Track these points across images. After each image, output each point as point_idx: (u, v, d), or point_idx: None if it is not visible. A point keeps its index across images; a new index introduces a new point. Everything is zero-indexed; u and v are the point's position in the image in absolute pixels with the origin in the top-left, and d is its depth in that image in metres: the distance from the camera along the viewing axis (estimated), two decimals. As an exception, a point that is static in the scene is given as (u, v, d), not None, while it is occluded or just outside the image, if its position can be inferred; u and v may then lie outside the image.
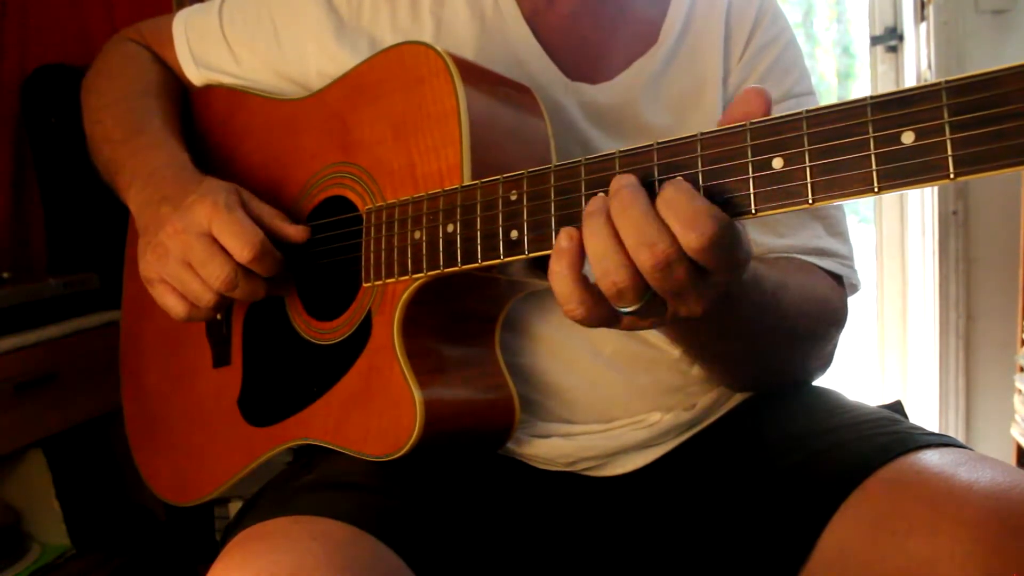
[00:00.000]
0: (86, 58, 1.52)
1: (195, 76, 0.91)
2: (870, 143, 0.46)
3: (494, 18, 0.81)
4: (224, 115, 0.90)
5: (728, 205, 0.51)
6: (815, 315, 0.76)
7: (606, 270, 0.52)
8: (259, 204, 0.74)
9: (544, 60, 0.80)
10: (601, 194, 0.54)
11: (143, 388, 0.94)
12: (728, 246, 0.51)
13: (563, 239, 0.54)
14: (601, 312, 0.55)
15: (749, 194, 0.50)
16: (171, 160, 0.80)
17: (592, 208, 0.54)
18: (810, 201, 0.48)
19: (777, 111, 0.83)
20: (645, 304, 0.53)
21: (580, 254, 0.54)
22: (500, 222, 0.61)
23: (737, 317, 0.66)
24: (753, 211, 0.49)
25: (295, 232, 0.74)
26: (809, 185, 0.48)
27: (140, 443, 0.95)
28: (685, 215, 0.50)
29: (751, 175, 0.50)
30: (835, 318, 0.79)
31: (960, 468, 0.62)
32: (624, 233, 0.52)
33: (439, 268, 0.65)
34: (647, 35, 0.82)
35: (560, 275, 0.55)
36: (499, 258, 0.61)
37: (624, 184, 0.53)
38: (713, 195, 0.51)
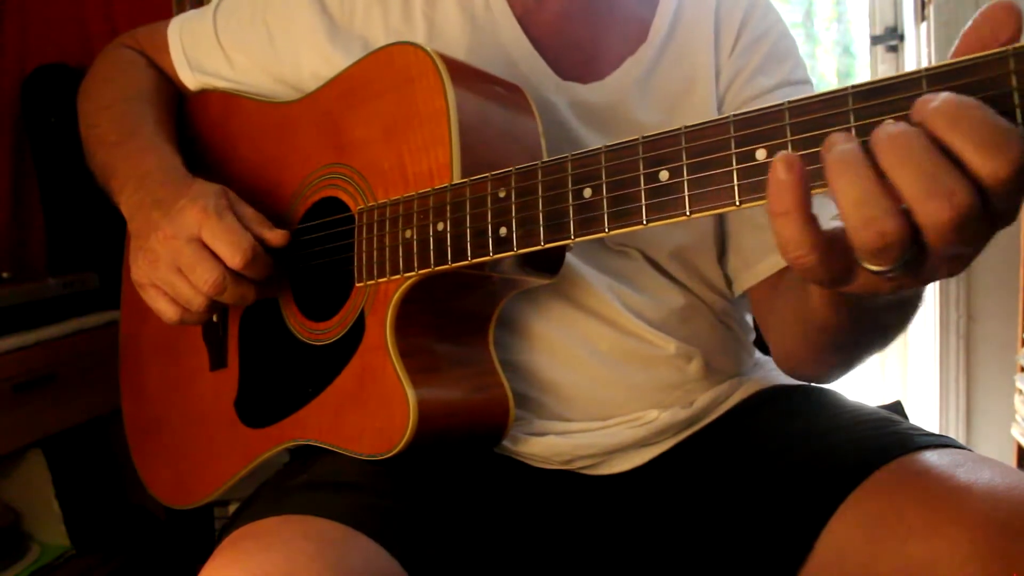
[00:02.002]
0: (85, 58, 1.53)
1: (190, 81, 0.92)
2: (852, 132, 0.45)
3: (485, 18, 0.81)
4: (219, 119, 0.90)
5: None
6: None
7: (870, 218, 0.42)
8: (243, 207, 0.74)
9: (535, 59, 0.80)
10: (840, 134, 0.44)
11: (142, 391, 0.94)
12: None
13: (781, 170, 0.43)
14: (837, 265, 0.45)
15: (733, 186, 0.49)
16: (163, 163, 0.80)
17: (837, 144, 0.43)
18: None
19: (773, 99, 0.82)
20: (903, 263, 0.43)
21: (807, 187, 0.44)
22: (489, 219, 0.61)
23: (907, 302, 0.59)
24: (737, 203, 0.49)
25: (275, 237, 0.73)
26: None
27: (139, 446, 0.95)
28: (980, 133, 0.39)
29: (735, 167, 0.49)
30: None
31: (959, 469, 0.62)
32: (905, 181, 0.41)
33: (430, 266, 0.65)
34: (637, 34, 0.83)
35: (783, 214, 0.44)
36: (488, 255, 0.61)
37: (889, 126, 0.42)
38: None
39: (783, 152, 0.45)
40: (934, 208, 0.41)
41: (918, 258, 0.44)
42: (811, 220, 0.44)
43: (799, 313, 0.67)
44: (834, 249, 0.45)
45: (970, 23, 0.43)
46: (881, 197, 0.42)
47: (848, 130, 0.45)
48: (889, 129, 0.42)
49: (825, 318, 0.61)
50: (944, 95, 0.41)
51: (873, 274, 0.45)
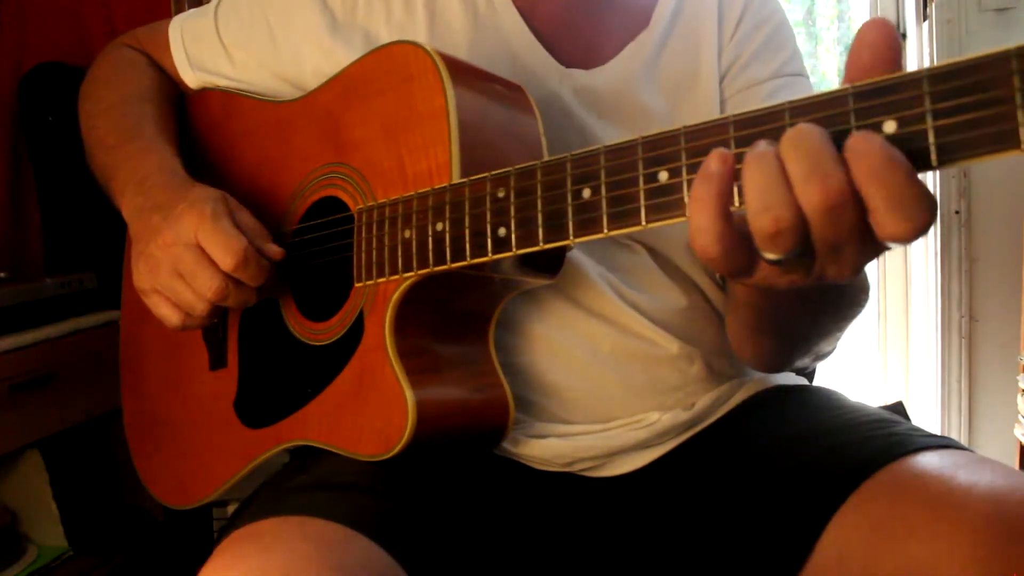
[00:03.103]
0: (84, 57, 1.52)
1: (191, 79, 0.91)
2: (852, 132, 0.45)
3: (487, 9, 0.81)
4: (219, 119, 0.90)
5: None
6: (860, 291, 0.73)
7: (767, 204, 0.46)
8: (245, 216, 0.73)
9: (537, 49, 0.80)
10: (765, 139, 0.48)
11: (142, 391, 0.94)
12: None
13: (714, 161, 0.47)
14: (738, 256, 0.49)
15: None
16: (163, 166, 0.80)
17: (759, 143, 0.47)
18: None
19: (768, 89, 0.81)
20: (794, 254, 0.47)
21: (731, 183, 0.47)
22: (488, 219, 0.61)
23: (829, 291, 0.62)
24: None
25: (272, 252, 0.73)
26: None
27: (139, 446, 0.95)
28: (872, 160, 0.43)
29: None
30: (866, 296, 0.76)
31: (960, 470, 0.62)
32: (793, 164, 0.45)
33: (429, 267, 0.65)
34: (639, 19, 0.83)
35: (703, 202, 0.47)
36: (487, 255, 0.61)
37: (801, 124, 0.46)
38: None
39: (716, 150, 0.48)
40: (811, 189, 0.44)
41: (805, 251, 0.47)
42: (724, 213, 0.48)
43: (729, 293, 0.70)
44: (739, 243, 0.48)
45: (852, 44, 0.47)
46: (780, 187, 0.45)
47: (848, 130, 0.45)
48: (797, 125, 0.46)
49: (742, 296, 0.67)
50: (877, 142, 0.43)
51: (769, 265, 0.49)
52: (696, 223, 0.48)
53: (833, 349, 0.79)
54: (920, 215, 0.43)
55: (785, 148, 0.46)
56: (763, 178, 0.46)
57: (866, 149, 0.43)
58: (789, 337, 0.72)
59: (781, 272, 0.50)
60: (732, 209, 0.48)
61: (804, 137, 0.45)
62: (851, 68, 0.46)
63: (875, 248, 0.47)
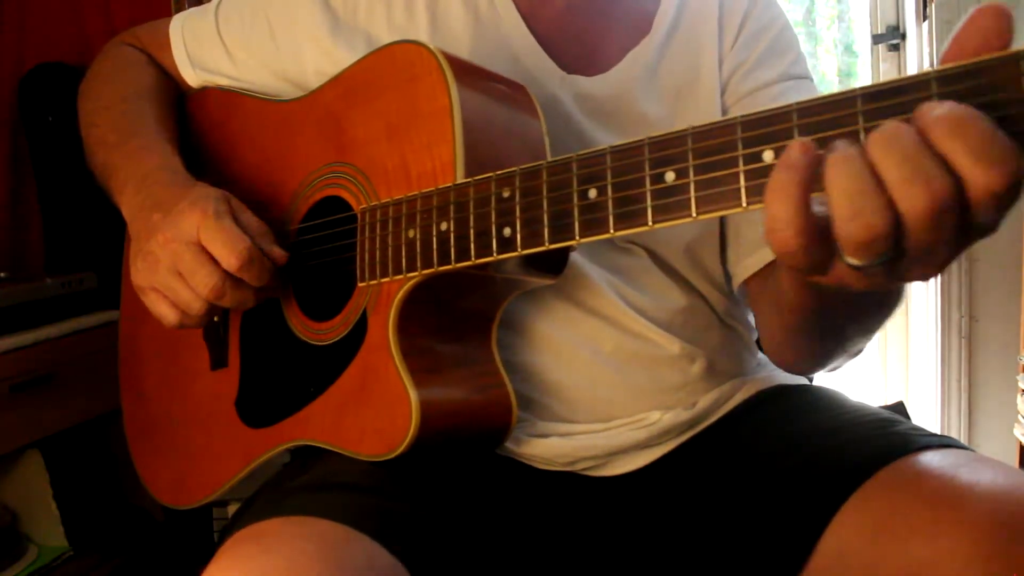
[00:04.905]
0: (84, 57, 1.53)
1: (192, 78, 0.91)
2: (860, 134, 0.45)
3: (488, 13, 0.81)
4: (220, 118, 0.90)
5: None
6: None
7: (858, 211, 0.42)
8: (249, 216, 0.73)
9: (539, 54, 0.80)
10: (843, 140, 0.45)
11: (142, 391, 0.94)
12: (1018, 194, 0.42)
13: (796, 150, 0.44)
14: (818, 253, 0.45)
15: (740, 187, 0.49)
16: (163, 164, 0.79)
17: (839, 144, 0.44)
18: None
19: (775, 92, 0.81)
20: (883, 260, 0.44)
21: (813, 173, 0.44)
22: (493, 219, 0.61)
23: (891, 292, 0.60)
24: (744, 204, 0.49)
25: (276, 254, 0.73)
26: None
27: (139, 446, 0.94)
28: (979, 144, 0.40)
29: (741, 168, 0.49)
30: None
31: (961, 470, 0.62)
32: (891, 169, 0.42)
33: (433, 266, 0.65)
34: (640, 26, 0.83)
35: (784, 192, 0.44)
36: (492, 255, 0.61)
37: (889, 123, 0.43)
38: None
39: (797, 139, 0.45)
40: (914, 193, 0.41)
41: (896, 256, 0.44)
42: (806, 203, 0.44)
43: (776, 296, 0.68)
44: (819, 238, 0.45)
45: (960, 27, 0.43)
46: (872, 191, 0.42)
47: (857, 132, 0.45)
48: (883, 125, 0.43)
49: (795, 300, 0.63)
50: (948, 104, 0.41)
51: (850, 268, 0.45)
52: (775, 213, 0.45)
53: (866, 346, 0.77)
54: (1010, 158, 0.40)
55: (877, 150, 0.42)
56: (852, 182, 0.43)
57: (940, 110, 0.41)
58: (836, 338, 0.70)
59: (862, 275, 0.46)
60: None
61: (899, 138, 0.42)
62: (952, 51, 0.43)
63: (967, 243, 0.44)
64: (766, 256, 0.78)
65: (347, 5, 0.83)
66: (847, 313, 0.64)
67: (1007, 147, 0.40)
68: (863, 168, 0.43)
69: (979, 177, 0.40)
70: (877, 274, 0.46)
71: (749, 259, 0.79)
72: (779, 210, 0.45)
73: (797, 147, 0.44)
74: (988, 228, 0.44)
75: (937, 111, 0.41)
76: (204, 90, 0.92)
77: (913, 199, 0.41)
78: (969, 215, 0.42)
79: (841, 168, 0.43)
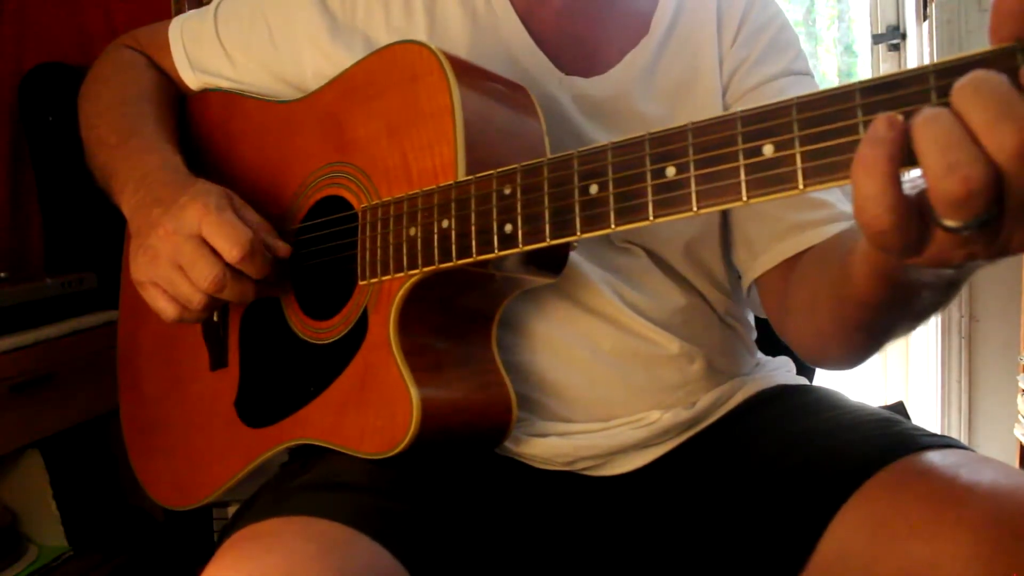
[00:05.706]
0: (84, 57, 1.53)
1: (192, 80, 0.91)
2: (859, 128, 0.45)
3: (487, 14, 0.81)
4: (220, 119, 0.90)
5: None
6: None
7: (952, 164, 0.41)
8: (250, 213, 0.73)
9: (537, 55, 0.80)
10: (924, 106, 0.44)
11: (140, 392, 0.94)
12: None
13: (882, 124, 0.43)
14: (912, 228, 0.44)
15: (740, 181, 0.49)
16: (164, 163, 0.79)
17: (923, 109, 0.43)
18: (801, 187, 0.47)
19: (776, 88, 0.81)
20: (982, 219, 0.42)
21: (903, 147, 0.43)
22: (494, 216, 0.61)
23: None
24: (744, 198, 0.49)
25: (279, 248, 0.73)
26: (800, 171, 0.47)
27: (137, 447, 0.94)
28: None
29: (742, 162, 0.49)
30: None
31: (961, 470, 0.61)
32: (977, 113, 0.41)
33: (434, 264, 0.65)
34: (638, 27, 0.83)
35: (873, 167, 0.43)
36: (493, 252, 0.61)
37: (974, 72, 0.42)
38: None
39: (884, 114, 0.44)
40: (1004, 130, 0.40)
41: (995, 218, 0.43)
42: (896, 179, 0.43)
43: (835, 290, 0.66)
44: (912, 213, 0.44)
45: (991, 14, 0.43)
46: (964, 141, 0.41)
47: (856, 126, 0.45)
48: (963, 77, 0.42)
49: (865, 294, 0.59)
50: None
51: (949, 233, 0.44)
52: (864, 191, 0.44)
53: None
54: None
55: (962, 99, 0.41)
56: (943, 135, 0.41)
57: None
58: (887, 334, 0.68)
59: (961, 243, 0.44)
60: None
61: (983, 83, 0.41)
62: (994, 35, 0.43)
63: None
64: (784, 251, 0.77)
65: (345, 7, 0.83)
66: (910, 307, 0.61)
67: None
68: (952, 121, 0.41)
69: None
70: (976, 240, 0.44)
71: (765, 255, 0.79)
72: (868, 186, 0.43)
73: (883, 120, 0.43)
74: None
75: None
76: (204, 92, 0.92)
77: (1003, 138, 0.40)
78: None
79: (930, 125, 0.42)
